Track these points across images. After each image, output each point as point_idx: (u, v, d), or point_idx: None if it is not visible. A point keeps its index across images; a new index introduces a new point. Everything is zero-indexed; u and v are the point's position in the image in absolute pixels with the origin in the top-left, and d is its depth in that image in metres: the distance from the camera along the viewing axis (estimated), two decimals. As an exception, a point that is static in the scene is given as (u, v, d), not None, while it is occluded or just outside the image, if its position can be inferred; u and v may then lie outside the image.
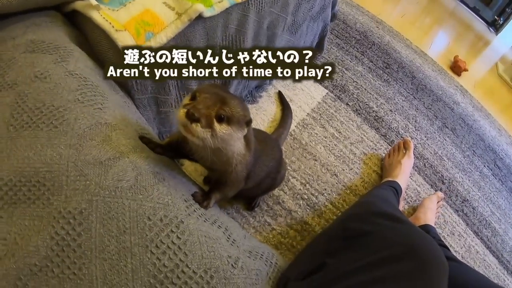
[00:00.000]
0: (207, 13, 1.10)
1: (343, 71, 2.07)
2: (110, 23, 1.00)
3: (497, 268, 1.66)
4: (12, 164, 0.69)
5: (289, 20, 1.50)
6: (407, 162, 1.67)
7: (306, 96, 1.87)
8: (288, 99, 1.79)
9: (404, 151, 1.71)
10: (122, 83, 1.07)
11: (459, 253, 1.61)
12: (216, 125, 0.76)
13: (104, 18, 1.00)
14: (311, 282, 0.84)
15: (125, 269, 0.66)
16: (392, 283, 0.74)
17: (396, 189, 1.48)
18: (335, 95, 1.94)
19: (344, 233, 0.96)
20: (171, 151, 0.94)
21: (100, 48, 1.03)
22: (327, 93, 1.93)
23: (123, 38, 0.98)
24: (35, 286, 0.62)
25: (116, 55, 1.00)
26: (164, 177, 0.81)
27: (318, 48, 2.01)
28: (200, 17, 1.09)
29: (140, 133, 0.92)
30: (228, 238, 0.86)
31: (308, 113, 1.80)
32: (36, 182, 0.68)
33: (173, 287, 0.68)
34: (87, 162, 0.71)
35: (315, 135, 1.73)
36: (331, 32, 2.10)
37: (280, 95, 1.81)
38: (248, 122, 0.84)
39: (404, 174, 1.62)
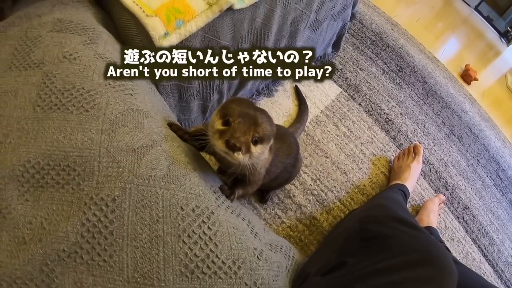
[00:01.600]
0: (238, 5, 1.08)
1: (357, 71, 2.05)
2: (140, 7, 0.97)
3: (491, 276, 1.66)
4: (40, 147, 0.67)
5: (311, 17, 1.48)
6: (416, 167, 1.66)
7: (320, 93, 1.85)
8: (303, 95, 1.77)
9: (414, 156, 1.69)
10: None
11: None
12: (253, 148, 0.78)
13: (134, 2, 0.97)
14: (332, 280, 0.84)
15: (156, 257, 0.65)
16: (411, 285, 0.75)
17: (404, 193, 1.48)
18: (348, 95, 1.92)
19: (362, 234, 0.97)
20: (195, 141, 0.93)
21: (127, 32, 1.01)
22: (341, 92, 1.91)
23: (153, 24, 0.96)
24: (63, 272, 0.61)
25: (145, 40, 0.98)
26: (195, 167, 0.80)
27: (335, 46, 1.99)
28: (230, 9, 1.07)
29: (168, 120, 0.91)
30: (252, 230, 0.85)
31: (322, 110, 1.79)
32: (66, 167, 0.66)
33: (203, 277, 0.67)
34: (119, 148, 0.69)
35: (328, 132, 1.72)
36: (347, 31, 2.06)
37: (297, 90, 1.79)
38: (274, 134, 0.86)
39: (413, 179, 1.61)
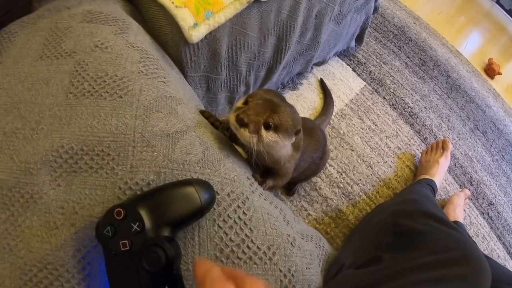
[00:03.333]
0: (264, -4, 1.06)
1: (381, 65, 2.00)
2: (169, -2, 0.95)
3: None
4: (74, 132, 0.65)
5: (336, 10, 1.45)
6: (444, 162, 1.61)
7: (345, 87, 1.81)
8: (328, 88, 1.74)
9: (442, 151, 1.64)
10: (177, 60, 1.03)
11: (482, 255, 1.55)
12: (263, 132, 0.76)
13: (163, -7, 0.96)
14: (368, 274, 0.81)
15: (192, 242, 0.63)
16: (450, 283, 0.73)
17: (433, 188, 1.44)
18: (372, 88, 1.88)
19: (395, 228, 0.95)
20: (226, 130, 0.92)
21: (156, 24, 0.99)
22: (365, 86, 1.87)
23: (182, 15, 0.94)
24: (95, 258, 0.59)
25: (175, 31, 0.97)
26: (228, 154, 0.78)
27: (358, 40, 1.95)
28: (257, 0, 1.05)
29: (199, 108, 0.89)
30: (284, 218, 0.82)
31: (346, 104, 1.75)
32: (100, 152, 0.64)
33: (238, 262, 0.64)
34: (154, 133, 0.67)
35: (353, 125, 1.69)
36: (370, 25, 2.02)
37: (322, 83, 1.76)
38: (297, 132, 0.82)
39: (441, 174, 1.57)
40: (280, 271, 0.69)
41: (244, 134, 0.75)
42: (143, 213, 0.55)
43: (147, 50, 0.84)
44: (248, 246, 0.66)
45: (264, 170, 0.92)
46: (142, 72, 0.77)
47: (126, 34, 0.85)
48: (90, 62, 0.74)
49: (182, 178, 0.65)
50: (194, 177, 0.67)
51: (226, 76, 1.22)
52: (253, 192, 0.76)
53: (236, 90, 1.32)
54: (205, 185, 0.62)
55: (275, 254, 0.69)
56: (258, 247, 0.67)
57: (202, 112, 0.89)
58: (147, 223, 0.54)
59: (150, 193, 0.59)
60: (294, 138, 0.83)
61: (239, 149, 0.90)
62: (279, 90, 1.64)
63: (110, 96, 0.70)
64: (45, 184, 0.62)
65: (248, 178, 0.78)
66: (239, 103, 0.81)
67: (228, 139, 0.89)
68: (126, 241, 0.53)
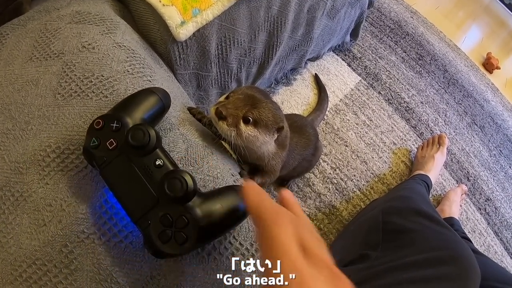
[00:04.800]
0: (253, -8, 1.07)
1: (377, 60, 2.01)
2: (157, -3, 0.97)
3: None
4: (61, 132, 0.68)
5: (328, 5, 1.46)
6: (440, 158, 1.62)
7: (339, 82, 1.83)
8: (323, 83, 1.75)
9: (438, 146, 1.65)
10: (166, 58, 1.04)
11: (478, 251, 1.56)
12: (242, 125, 0.78)
13: (151, -8, 0.98)
14: (355, 272, 0.83)
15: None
16: (436, 283, 0.74)
17: (427, 184, 1.45)
18: (367, 83, 1.89)
19: (384, 226, 0.96)
20: (211, 126, 0.93)
21: (144, 22, 1.01)
22: (360, 81, 1.89)
23: (169, 13, 0.96)
24: (81, 253, 0.61)
25: (162, 29, 0.98)
26: (213, 151, 0.79)
27: (353, 35, 1.96)
28: (245, -4, 1.06)
29: (186, 106, 0.91)
30: None
31: (341, 99, 1.77)
32: (86, 151, 0.67)
33: (220, 257, 0.65)
34: (138, 131, 0.70)
35: (347, 121, 1.70)
36: (365, 20, 2.03)
37: (317, 78, 1.77)
38: (279, 129, 0.84)
39: (436, 169, 1.58)
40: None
41: (223, 127, 0.78)
42: (119, 114, 0.62)
43: (134, 49, 0.86)
44: (230, 242, 0.67)
45: (252, 167, 0.94)
46: (128, 71, 0.79)
47: (114, 34, 0.87)
48: (78, 62, 0.77)
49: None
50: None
51: (217, 73, 1.23)
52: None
53: (227, 87, 1.33)
54: (164, 92, 0.70)
55: (258, 251, 0.69)
56: (240, 243, 0.68)
57: (190, 109, 0.91)
58: (124, 120, 0.60)
59: (120, 103, 0.66)
60: (275, 135, 0.85)
61: (227, 147, 0.92)
62: (272, 85, 1.66)
63: (96, 96, 0.72)
64: (34, 183, 0.65)
65: (232, 175, 0.79)
66: (221, 98, 0.84)
67: (215, 136, 0.91)
68: (112, 139, 0.59)
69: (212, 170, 0.74)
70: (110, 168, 0.59)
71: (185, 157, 0.72)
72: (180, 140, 0.75)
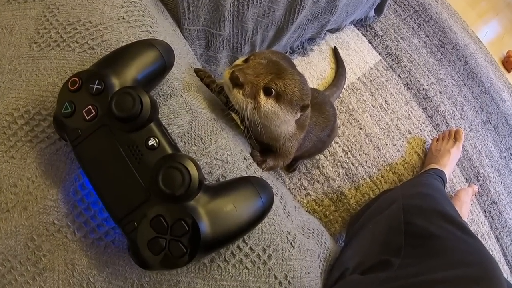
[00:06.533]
0: None
1: (398, 40, 1.85)
2: None
3: (508, 278, 1.54)
4: (32, 92, 0.54)
5: (360, -27, 1.31)
6: (456, 153, 1.50)
7: (359, 59, 1.67)
8: (341, 58, 1.61)
9: (454, 141, 1.54)
10: (172, 9, 0.87)
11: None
12: (262, 97, 0.63)
13: None
14: (376, 282, 0.71)
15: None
16: None
17: (443, 180, 1.33)
18: (388, 64, 1.74)
19: (407, 227, 0.85)
20: (222, 93, 0.77)
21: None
22: (380, 60, 1.73)
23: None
24: (51, 249, 0.47)
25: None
26: (222, 126, 0.64)
27: (378, 10, 1.79)
28: None
29: (193, 67, 0.74)
30: (284, 208, 0.69)
31: (359, 77, 1.61)
32: (62, 116, 0.51)
33: (225, 265, 0.52)
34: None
35: (363, 102, 1.55)
36: (390, -4, 1.90)
37: (336, 52, 1.61)
38: (304, 107, 0.69)
39: (451, 165, 1.46)
40: (275, 277, 0.56)
41: (238, 97, 0.63)
42: (102, 71, 0.46)
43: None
44: (238, 247, 0.54)
45: (264, 147, 0.79)
46: (123, 19, 0.64)
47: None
48: (62, 5, 0.62)
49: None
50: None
51: (230, 32, 1.08)
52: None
53: (240, 50, 1.17)
54: (166, 46, 0.55)
55: (271, 257, 0.57)
56: (251, 249, 0.55)
57: (197, 71, 0.75)
58: (109, 80, 0.45)
59: (107, 56, 0.51)
60: (299, 114, 0.70)
61: (237, 120, 0.78)
62: (287, 54, 1.49)
63: (80, 47, 0.58)
64: (-3, 155, 0.50)
65: (245, 159, 0.64)
66: (239, 60, 0.68)
67: (225, 106, 0.75)
68: (90, 106, 0.44)
69: (221, 152, 0.59)
70: (85, 145, 0.43)
71: (188, 133, 0.57)
72: (183, 111, 0.59)
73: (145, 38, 0.63)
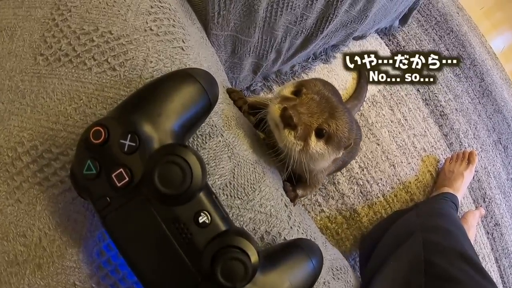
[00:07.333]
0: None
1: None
2: None
3: None
4: (39, 121, 0.44)
5: (393, -16, 1.26)
6: (469, 176, 1.48)
7: (380, 70, 1.64)
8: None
9: (467, 163, 1.51)
10: (201, 12, 0.79)
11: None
12: (313, 140, 0.58)
13: None
14: None
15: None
16: None
17: (457, 206, 1.32)
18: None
19: (428, 267, 0.84)
20: (252, 114, 0.71)
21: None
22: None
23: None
24: None
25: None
26: (264, 168, 0.56)
27: (402, 20, 1.76)
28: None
29: (225, 86, 0.67)
30: None
31: (379, 90, 1.57)
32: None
33: None
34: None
35: (382, 116, 1.52)
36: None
37: (359, 61, 1.57)
38: (348, 146, 0.64)
39: (464, 189, 1.44)
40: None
41: (288, 139, 0.57)
42: (134, 120, 0.37)
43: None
44: None
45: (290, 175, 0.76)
46: (151, 30, 0.52)
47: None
48: (74, 7, 0.50)
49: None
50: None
51: (258, 39, 1.02)
52: (291, 228, 0.56)
53: (266, 57, 1.12)
54: (208, 77, 0.45)
55: None
56: None
57: (230, 92, 0.68)
58: (144, 133, 0.36)
59: (137, 95, 0.41)
60: (341, 153, 0.66)
61: (260, 135, 0.72)
62: (310, 60, 1.44)
63: (98, 67, 0.47)
64: (0, 197, 0.43)
65: (286, 206, 0.58)
66: (286, 90, 0.63)
67: (253, 126, 0.69)
68: (121, 169, 0.35)
69: (265, 203, 0.52)
70: (117, 218, 0.35)
71: (230, 184, 0.49)
72: (225, 156, 0.51)
73: (177, 56, 0.53)
